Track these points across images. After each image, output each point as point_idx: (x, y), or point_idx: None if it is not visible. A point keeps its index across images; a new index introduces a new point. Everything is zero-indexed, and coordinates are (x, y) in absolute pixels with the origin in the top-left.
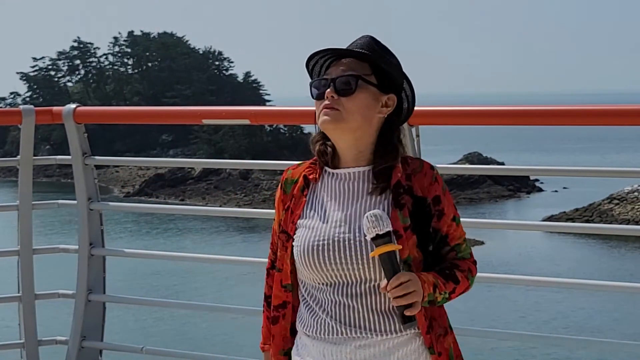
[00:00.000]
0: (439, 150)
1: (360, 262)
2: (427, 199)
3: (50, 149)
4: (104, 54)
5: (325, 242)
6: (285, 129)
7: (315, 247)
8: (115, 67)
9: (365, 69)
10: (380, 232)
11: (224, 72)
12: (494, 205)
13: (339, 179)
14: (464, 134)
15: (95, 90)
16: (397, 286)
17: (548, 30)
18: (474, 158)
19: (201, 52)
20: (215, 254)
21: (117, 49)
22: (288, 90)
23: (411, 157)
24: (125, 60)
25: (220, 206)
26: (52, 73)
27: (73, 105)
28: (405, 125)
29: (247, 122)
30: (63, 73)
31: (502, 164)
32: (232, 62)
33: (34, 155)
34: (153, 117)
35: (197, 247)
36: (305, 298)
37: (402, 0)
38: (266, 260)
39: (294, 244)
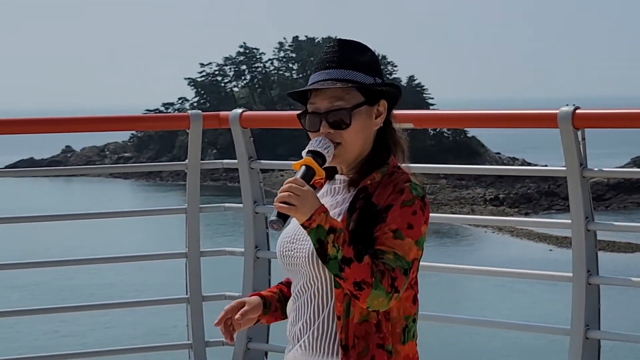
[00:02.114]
0: (605, 154)
1: (307, 254)
2: (378, 205)
3: (217, 153)
4: (269, 59)
5: (291, 232)
6: (449, 132)
7: (284, 237)
8: (280, 72)
9: (351, 90)
10: (312, 149)
11: (387, 76)
12: None
13: (332, 183)
14: (634, 136)
15: (261, 95)
16: (289, 184)
17: None
18: None
19: None
20: None
21: (282, 54)
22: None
23: (404, 171)
24: (290, 65)
25: None
26: (219, 78)
27: (239, 110)
28: (570, 129)
29: (410, 125)
30: (229, 78)
31: None
32: (395, 66)
33: (201, 160)
34: None
35: None
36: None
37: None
38: None
39: None
